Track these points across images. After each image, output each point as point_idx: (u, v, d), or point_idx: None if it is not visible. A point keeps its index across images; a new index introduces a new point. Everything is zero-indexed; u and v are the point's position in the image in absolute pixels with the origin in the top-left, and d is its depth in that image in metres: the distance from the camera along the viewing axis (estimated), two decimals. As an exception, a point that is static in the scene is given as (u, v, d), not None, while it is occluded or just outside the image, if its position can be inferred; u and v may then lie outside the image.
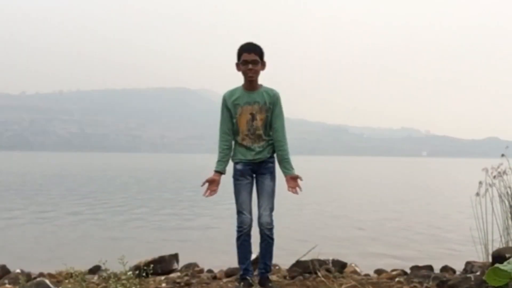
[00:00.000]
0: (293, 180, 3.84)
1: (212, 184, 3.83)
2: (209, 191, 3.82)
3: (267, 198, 3.85)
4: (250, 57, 3.79)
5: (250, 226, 3.85)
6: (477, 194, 5.01)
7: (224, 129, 3.91)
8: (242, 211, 3.83)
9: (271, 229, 3.83)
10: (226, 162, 3.92)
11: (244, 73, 3.84)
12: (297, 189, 3.83)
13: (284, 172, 3.89)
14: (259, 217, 3.83)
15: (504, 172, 5.03)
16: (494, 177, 5.04)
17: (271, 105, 3.87)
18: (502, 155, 5.04)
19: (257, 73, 3.84)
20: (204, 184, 3.83)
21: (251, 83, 3.86)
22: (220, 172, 3.88)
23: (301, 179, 3.86)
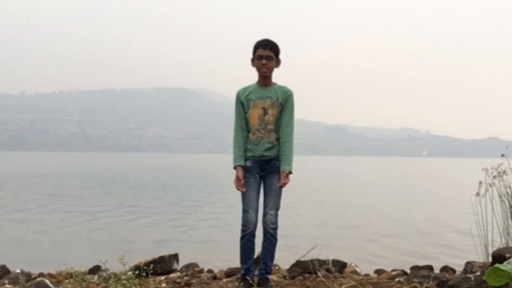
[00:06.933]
0: (284, 177, 3.80)
1: (241, 179, 3.80)
2: (240, 186, 3.79)
3: (274, 197, 3.83)
4: (265, 52, 3.81)
5: (255, 225, 3.83)
6: (477, 194, 5.01)
7: (241, 123, 3.89)
8: (248, 209, 3.81)
9: (275, 229, 3.82)
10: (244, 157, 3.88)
11: (258, 68, 3.86)
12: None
13: (279, 166, 3.83)
14: (264, 216, 3.82)
15: (504, 172, 5.03)
16: (494, 177, 5.04)
17: (283, 102, 3.88)
18: (502, 155, 5.04)
19: (270, 69, 3.86)
20: (238, 181, 3.79)
21: (264, 79, 3.88)
22: (243, 166, 3.84)
23: (290, 173, 3.82)
